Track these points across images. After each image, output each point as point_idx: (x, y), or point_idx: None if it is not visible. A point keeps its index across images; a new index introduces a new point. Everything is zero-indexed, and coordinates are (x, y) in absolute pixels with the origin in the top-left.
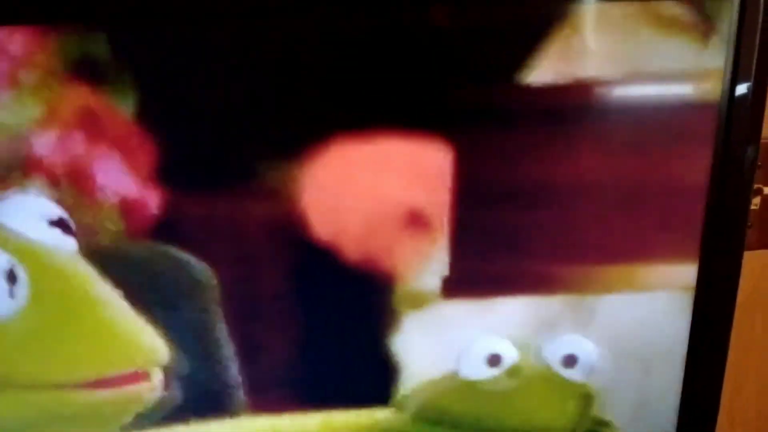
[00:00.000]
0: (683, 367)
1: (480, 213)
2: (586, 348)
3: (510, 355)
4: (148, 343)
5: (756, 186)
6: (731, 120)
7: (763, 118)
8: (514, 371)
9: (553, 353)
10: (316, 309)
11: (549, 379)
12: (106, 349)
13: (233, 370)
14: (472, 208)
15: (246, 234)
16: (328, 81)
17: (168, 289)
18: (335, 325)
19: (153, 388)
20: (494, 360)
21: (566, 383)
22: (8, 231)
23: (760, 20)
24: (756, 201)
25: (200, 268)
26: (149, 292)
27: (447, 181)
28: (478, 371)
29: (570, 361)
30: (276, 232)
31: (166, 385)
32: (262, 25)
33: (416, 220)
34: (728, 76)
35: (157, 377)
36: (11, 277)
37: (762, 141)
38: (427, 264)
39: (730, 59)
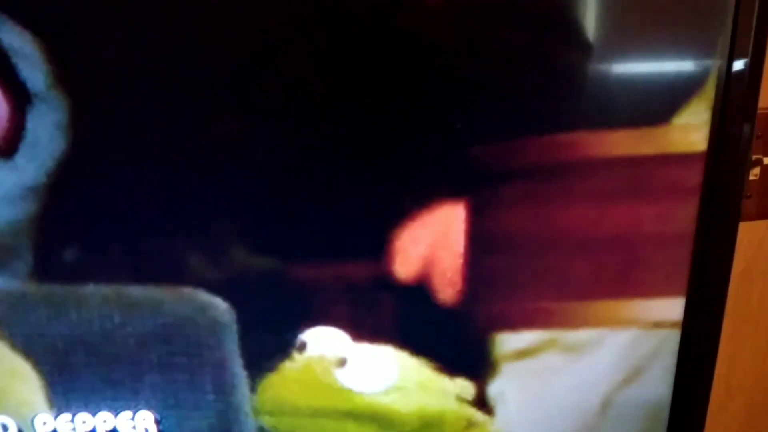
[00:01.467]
0: (678, 339)
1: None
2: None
3: None
4: None
5: (755, 156)
6: (728, 92)
7: (760, 90)
8: None
9: None
10: None
11: None
12: None
13: None
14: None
15: None
16: None
17: None
18: None
19: None
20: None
21: None
22: None
23: None
24: (755, 171)
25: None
26: None
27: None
28: None
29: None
30: None
31: None
32: None
33: None
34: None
35: None
36: None
37: (762, 111)
38: None
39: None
